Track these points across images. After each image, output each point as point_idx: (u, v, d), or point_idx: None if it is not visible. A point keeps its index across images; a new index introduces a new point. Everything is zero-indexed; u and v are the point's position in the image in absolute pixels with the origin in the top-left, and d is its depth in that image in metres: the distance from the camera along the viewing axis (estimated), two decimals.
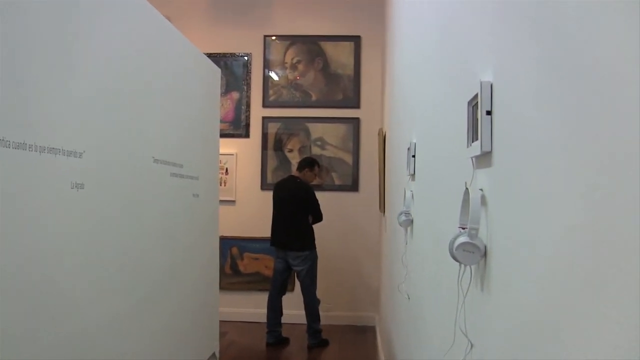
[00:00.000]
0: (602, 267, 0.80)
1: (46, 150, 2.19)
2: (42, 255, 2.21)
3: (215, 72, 4.96)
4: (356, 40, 8.09)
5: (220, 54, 8.07)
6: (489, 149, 1.42)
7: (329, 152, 8.04)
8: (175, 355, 3.84)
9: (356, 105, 8.07)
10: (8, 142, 1.95)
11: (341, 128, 8.06)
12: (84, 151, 2.49)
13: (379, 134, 7.11)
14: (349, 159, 8.05)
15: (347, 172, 8.06)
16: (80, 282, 2.51)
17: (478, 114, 1.46)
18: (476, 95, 1.48)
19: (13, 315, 2.01)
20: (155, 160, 3.38)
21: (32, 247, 2.13)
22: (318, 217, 6.93)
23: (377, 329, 7.26)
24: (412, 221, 3.29)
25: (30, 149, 2.08)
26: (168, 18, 3.56)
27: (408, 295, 3.44)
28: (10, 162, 1.97)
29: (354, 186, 8.05)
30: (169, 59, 3.70)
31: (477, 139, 1.48)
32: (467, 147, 1.61)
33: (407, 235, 3.49)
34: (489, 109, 1.42)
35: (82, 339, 2.50)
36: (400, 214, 3.39)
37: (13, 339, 2.01)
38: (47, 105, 2.22)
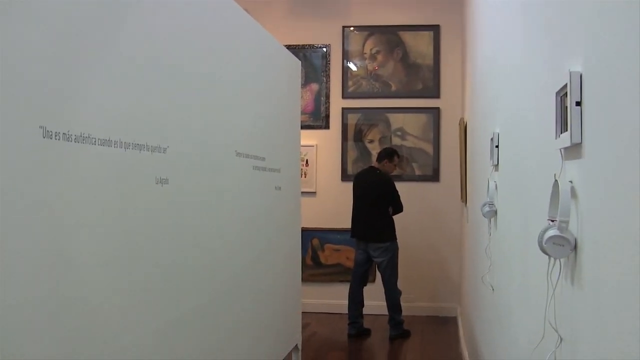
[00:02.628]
0: None
1: (131, 147, 2.24)
2: (128, 249, 2.26)
3: (295, 64, 4.99)
4: (435, 29, 8.02)
5: (299, 45, 8.11)
6: (578, 140, 1.39)
7: (409, 143, 8.00)
8: (259, 347, 3.88)
9: (436, 95, 8.01)
10: (94, 139, 2.00)
11: (421, 118, 8.02)
12: (168, 146, 2.54)
13: (459, 124, 7.04)
14: (429, 149, 7.99)
15: (427, 163, 8.01)
16: (162, 276, 2.55)
17: (567, 104, 1.44)
18: (565, 86, 1.45)
19: (101, 308, 2.06)
20: (238, 154, 3.42)
21: (118, 242, 2.19)
22: (398, 208, 6.91)
23: (459, 320, 7.21)
24: (495, 212, 3.25)
25: (116, 145, 2.13)
26: (247, 11, 3.60)
27: (492, 287, 3.41)
28: (95, 159, 2.02)
29: (434, 176, 7.99)
30: (250, 52, 3.74)
31: (566, 130, 1.46)
32: (556, 138, 1.59)
33: (491, 226, 3.45)
34: (579, 100, 1.39)
35: (161, 334, 2.55)
36: (484, 204, 3.35)
37: (99, 332, 2.07)
38: (131, 102, 2.27)
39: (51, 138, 1.80)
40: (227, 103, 3.29)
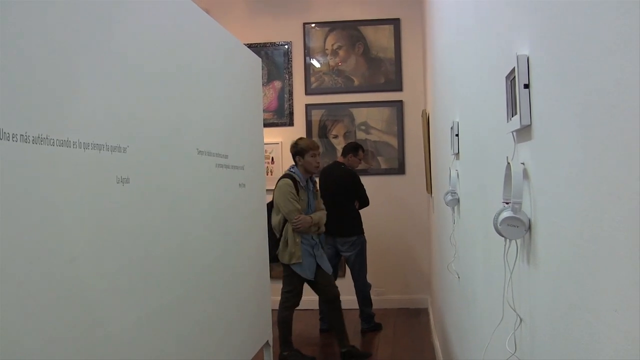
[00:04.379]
0: None
1: (90, 147, 2.23)
2: (89, 249, 2.25)
3: (255, 62, 4.98)
4: (396, 23, 8.05)
5: (260, 44, 8.11)
6: (528, 123, 1.41)
7: (374, 136, 8.03)
8: (228, 345, 3.88)
9: (399, 88, 8.04)
10: (52, 140, 1.99)
11: (385, 111, 8.05)
12: (128, 146, 2.53)
13: (422, 116, 7.08)
14: (394, 142, 8.03)
15: (393, 156, 8.05)
16: (126, 275, 2.54)
17: (516, 88, 1.46)
18: (513, 70, 1.48)
19: (49, 314, 2.04)
20: (200, 152, 3.42)
21: (79, 242, 2.18)
22: (364, 202, 6.95)
23: (430, 311, 7.26)
24: (458, 200, 3.28)
25: (75, 146, 2.12)
26: (207, 11, 3.60)
27: (458, 275, 3.44)
28: (54, 160, 2.01)
29: (400, 169, 8.03)
30: (208, 51, 3.73)
31: (516, 114, 1.48)
32: (507, 121, 1.61)
33: (455, 215, 3.49)
34: (527, 83, 1.41)
35: (128, 333, 2.54)
36: (447, 193, 3.39)
37: (51, 340, 2.05)
38: (89, 102, 2.26)
39: (8, 140, 1.79)
40: (188, 102, 3.29)
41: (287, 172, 5.96)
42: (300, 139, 6.21)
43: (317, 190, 6.17)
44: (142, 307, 2.67)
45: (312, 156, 5.86)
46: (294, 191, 5.73)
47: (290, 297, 5.93)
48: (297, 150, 5.96)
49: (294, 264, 5.79)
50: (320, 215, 5.88)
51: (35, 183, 1.92)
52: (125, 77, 2.56)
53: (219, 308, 3.70)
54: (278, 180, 5.95)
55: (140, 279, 2.67)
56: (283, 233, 5.80)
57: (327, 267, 5.96)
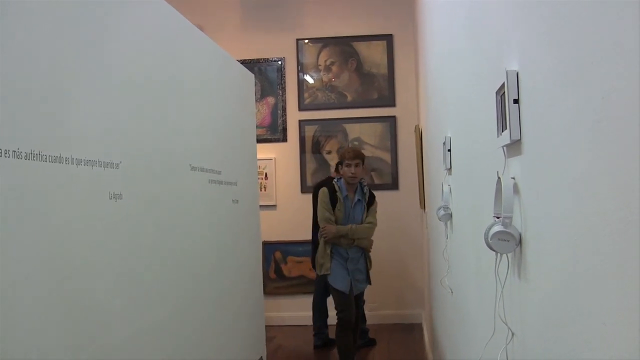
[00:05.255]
0: (637, 249, 0.81)
1: (83, 163, 2.23)
2: (82, 266, 2.25)
3: (248, 78, 5.00)
4: (388, 38, 8.08)
5: (254, 60, 8.13)
6: (518, 137, 1.42)
7: (367, 152, 8.01)
8: None
9: (392, 103, 8.07)
10: (45, 156, 2.00)
11: (378, 127, 8.07)
12: (121, 162, 2.53)
13: (415, 131, 7.09)
14: (387, 157, 8.04)
15: (386, 171, 8.06)
16: (119, 292, 2.54)
17: (506, 103, 1.47)
18: (503, 85, 1.49)
19: (50, 329, 2.04)
20: (193, 168, 3.43)
21: (72, 259, 2.18)
22: None
23: (424, 326, 7.24)
24: (451, 215, 3.29)
25: (67, 162, 2.13)
26: (201, 27, 3.61)
27: (451, 289, 3.44)
28: (47, 176, 2.02)
29: (394, 184, 8.04)
30: (201, 68, 3.75)
31: (506, 128, 1.49)
32: (498, 136, 1.62)
33: (447, 230, 3.49)
34: (516, 98, 1.43)
35: (121, 351, 2.53)
36: (439, 208, 3.39)
37: (50, 353, 2.05)
38: (82, 118, 2.26)
39: (1, 156, 1.79)
40: (180, 118, 3.30)
41: (333, 182, 5.74)
42: (346, 147, 6.09)
43: (368, 203, 5.79)
44: (135, 323, 2.67)
45: (346, 166, 5.60)
46: (327, 200, 5.58)
47: (341, 316, 5.60)
48: (339, 159, 5.90)
49: (324, 275, 5.62)
50: (354, 228, 5.57)
51: (27, 199, 1.92)
52: (118, 93, 2.57)
53: (212, 324, 3.69)
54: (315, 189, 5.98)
55: (133, 294, 2.67)
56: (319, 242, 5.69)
57: (357, 287, 5.73)
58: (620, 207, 0.85)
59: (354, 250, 5.65)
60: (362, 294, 6.03)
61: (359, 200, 5.67)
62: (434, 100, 4.53)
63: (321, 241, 5.60)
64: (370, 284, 5.90)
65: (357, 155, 5.62)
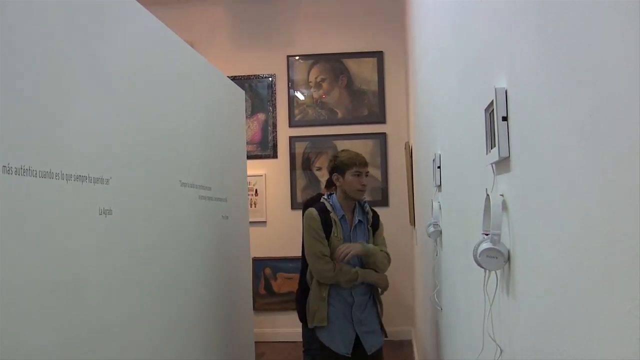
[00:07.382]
0: (623, 265, 0.81)
1: (73, 178, 2.23)
2: (72, 281, 2.24)
3: (239, 94, 5.01)
4: (379, 55, 8.12)
5: (244, 76, 8.15)
6: (506, 155, 1.43)
7: None
8: None
9: (382, 120, 8.10)
10: (35, 172, 2.00)
11: (368, 144, 8.08)
12: (111, 177, 2.53)
13: (405, 148, 7.11)
14: (377, 174, 8.05)
15: (376, 188, 8.06)
16: (108, 308, 2.54)
17: (495, 120, 1.48)
18: (492, 102, 1.49)
19: (38, 345, 2.03)
20: (183, 184, 3.43)
21: (61, 274, 2.17)
22: None
23: (414, 343, 7.23)
24: (440, 232, 3.29)
25: (57, 177, 2.13)
26: (191, 44, 3.63)
27: (440, 306, 3.44)
28: (37, 191, 2.02)
29: (384, 201, 8.04)
30: (192, 84, 3.76)
31: (495, 146, 1.49)
32: (487, 153, 1.63)
33: (437, 247, 3.50)
34: (505, 115, 1.43)
35: None
36: (429, 225, 3.40)
37: None
38: (72, 134, 2.27)
39: None
40: (171, 134, 3.30)
41: (322, 199, 4.27)
42: (343, 151, 4.42)
43: (372, 225, 4.45)
44: (124, 339, 2.66)
45: (355, 175, 4.15)
46: (318, 226, 4.02)
47: None
48: (336, 165, 4.21)
49: (316, 327, 4.10)
50: (371, 249, 4.22)
51: (17, 214, 1.92)
52: (107, 108, 2.57)
53: (201, 339, 3.68)
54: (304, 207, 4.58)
55: (123, 310, 2.66)
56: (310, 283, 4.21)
57: (370, 343, 4.26)
58: (608, 224, 0.85)
59: (361, 292, 4.20)
60: (380, 353, 4.44)
61: (359, 221, 4.29)
62: (423, 117, 4.54)
63: (314, 282, 4.11)
64: (387, 336, 4.50)
65: (367, 163, 4.31)
